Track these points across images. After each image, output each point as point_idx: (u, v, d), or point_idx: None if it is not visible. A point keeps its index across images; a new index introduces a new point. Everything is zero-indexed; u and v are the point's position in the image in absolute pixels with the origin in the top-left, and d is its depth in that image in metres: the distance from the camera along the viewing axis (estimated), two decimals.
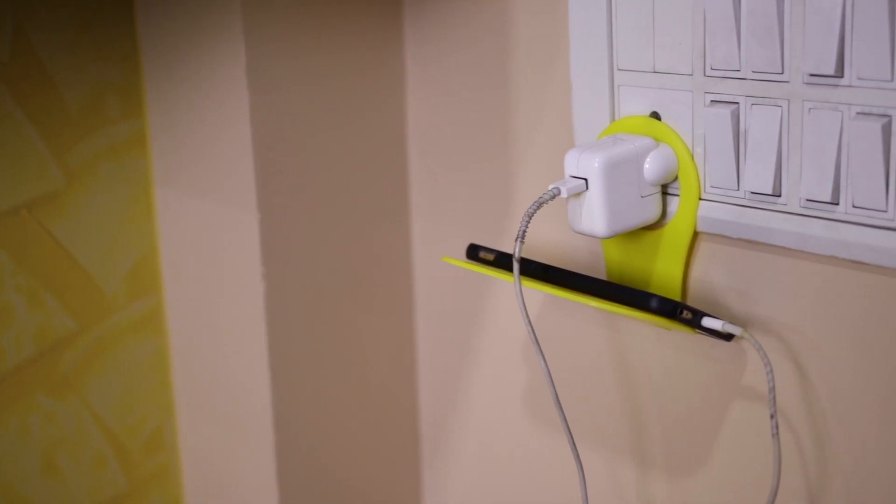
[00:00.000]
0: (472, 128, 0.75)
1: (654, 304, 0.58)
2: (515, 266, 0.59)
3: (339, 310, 0.78)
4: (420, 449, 0.85)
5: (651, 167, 0.61)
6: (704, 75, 0.60)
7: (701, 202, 0.62)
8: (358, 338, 0.80)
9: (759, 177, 0.58)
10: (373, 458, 0.83)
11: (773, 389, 0.56)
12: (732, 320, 0.62)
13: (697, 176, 0.62)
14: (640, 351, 0.68)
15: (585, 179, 0.60)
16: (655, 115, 0.63)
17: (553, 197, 0.60)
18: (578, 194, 0.61)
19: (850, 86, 0.54)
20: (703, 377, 0.64)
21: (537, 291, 0.69)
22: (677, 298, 0.64)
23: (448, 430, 0.83)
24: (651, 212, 0.62)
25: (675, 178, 0.62)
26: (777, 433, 0.56)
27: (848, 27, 0.53)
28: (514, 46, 0.71)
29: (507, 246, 0.73)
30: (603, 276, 0.68)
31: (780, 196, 0.58)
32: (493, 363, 0.78)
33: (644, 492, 0.69)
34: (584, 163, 0.60)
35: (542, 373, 0.74)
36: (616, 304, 0.60)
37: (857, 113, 0.54)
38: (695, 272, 0.64)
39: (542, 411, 0.75)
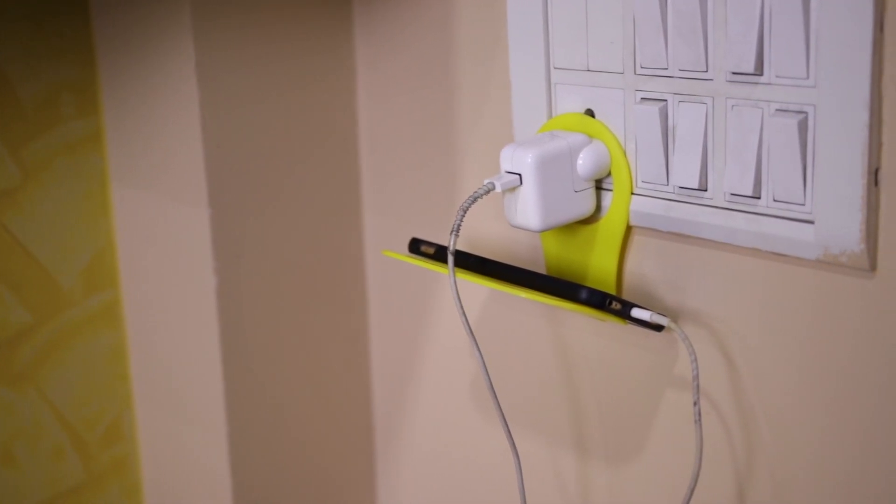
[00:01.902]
0: (420, 125, 0.77)
1: (583, 295, 0.60)
2: (450, 259, 0.61)
3: (291, 304, 0.80)
4: (374, 439, 0.87)
5: (584, 163, 0.63)
6: (635, 74, 0.62)
7: (633, 197, 0.64)
8: (311, 331, 0.82)
9: (686, 172, 0.60)
10: (327, 449, 0.84)
11: (696, 377, 0.58)
12: (665, 312, 0.64)
13: (629, 171, 0.63)
14: (578, 342, 0.70)
15: (519, 175, 0.62)
16: (590, 113, 0.65)
17: (488, 192, 0.62)
18: (513, 189, 0.62)
19: (769, 84, 0.56)
20: (639, 367, 0.66)
21: (484, 285, 0.71)
22: (612, 290, 0.65)
23: (401, 420, 0.85)
24: (585, 206, 0.64)
25: (609, 174, 0.64)
26: (700, 419, 0.58)
27: (766, 27, 0.55)
28: (458, 47, 0.72)
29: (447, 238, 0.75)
30: (543, 270, 0.70)
31: (706, 190, 0.60)
32: (444, 355, 0.80)
33: (583, 479, 0.71)
34: (518, 159, 0.62)
35: (489, 362, 0.75)
36: (548, 296, 0.61)
37: (776, 110, 0.56)
38: (629, 265, 0.66)
39: (489, 401, 0.77)
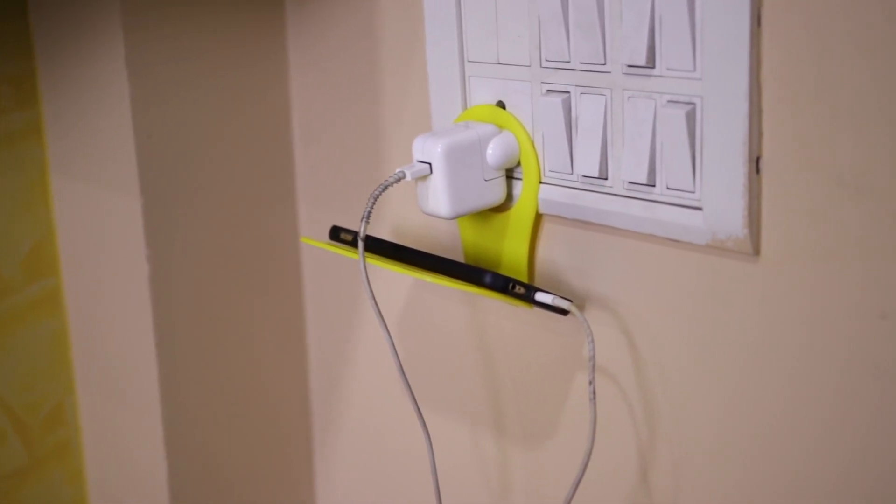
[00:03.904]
0: (349, 118, 0.79)
1: (487, 279, 0.63)
2: (360, 244, 0.63)
3: (226, 291, 0.82)
4: (311, 423, 0.89)
5: (493, 153, 0.65)
6: (541, 66, 0.64)
7: (541, 185, 0.66)
8: (246, 318, 0.84)
9: (588, 161, 0.63)
10: (263, 433, 0.87)
11: (592, 358, 0.61)
12: (573, 296, 0.66)
13: (537, 161, 0.66)
14: (496, 327, 0.72)
15: (430, 164, 0.64)
16: (501, 104, 0.67)
17: (398, 180, 0.64)
18: (424, 177, 0.65)
19: (661, 76, 0.58)
20: (551, 349, 0.69)
21: (394, 270, 0.73)
22: (524, 276, 0.68)
23: (338, 404, 0.87)
24: (495, 195, 0.66)
25: (518, 163, 0.66)
26: (594, 398, 0.61)
27: (657, 22, 0.58)
28: (381, 43, 0.75)
29: (376, 227, 0.77)
30: (461, 257, 0.72)
31: (606, 179, 0.62)
32: (377, 340, 0.82)
33: (501, 458, 0.74)
34: (428, 148, 0.64)
35: (412, 346, 0.78)
36: (455, 280, 0.64)
37: (668, 101, 0.58)
38: (540, 252, 0.68)
39: (418, 385, 0.79)
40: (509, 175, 0.67)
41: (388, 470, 0.84)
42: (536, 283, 0.68)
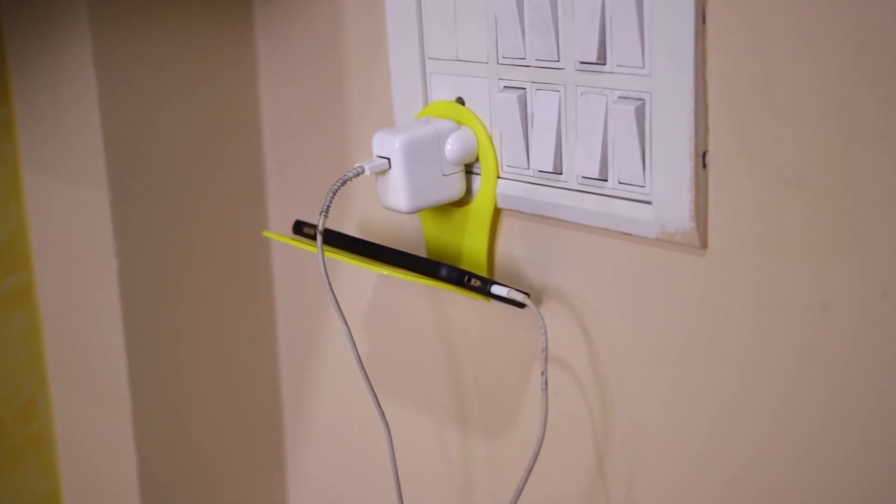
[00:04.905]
0: (316, 115, 0.80)
1: (442, 272, 0.64)
2: (319, 238, 0.64)
3: (195, 285, 0.83)
4: (282, 416, 0.91)
5: (452, 148, 0.67)
6: (498, 63, 0.65)
7: (500, 180, 0.67)
8: (216, 313, 0.85)
9: (543, 156, 0.64)
10: (234, 428, 0.88)
11: (545, 349, 0.62)
12: (531, 289, 0.67)
13: (496, 156, 0.67)
14: (457, 321, 0.73)
15: (388, 158, 0.65)
16: (460, 101, 0.68)
17: (357, 174, 0.65)
18: (384, 172, 0.66)
19: (611, 72, 0.59)
20: (510, 342, 0.70)
21: (352, 264, 0.75)
22: (483, 270, 0.69)
23: (308, 397, 0.88)
24: (454, 189, 0.68)
25: (477, 159, 0.67)
26: (546, 388, 0.62)
27: (607, 19, 0.59)
28: (346, 42, 0.76)
29: (342, 222, 0.78)
30: (423, 251, 0.73)
31: (561, 174, 0.64)
32: (344, 334, 0.83)
33: (464, 449, 0.75)
34: (387, 143, 0.65)
35: (378, 340, 0.79)
36: (411, 273, 0.65)
37: (618, 97, 0.59)
38: (499, 246, 0.69)
39: (383, 378, 0.81)
40: (468, 170, 0.68)
41: (359, 461, 0.86)
42: (496, 277, 0.69)
